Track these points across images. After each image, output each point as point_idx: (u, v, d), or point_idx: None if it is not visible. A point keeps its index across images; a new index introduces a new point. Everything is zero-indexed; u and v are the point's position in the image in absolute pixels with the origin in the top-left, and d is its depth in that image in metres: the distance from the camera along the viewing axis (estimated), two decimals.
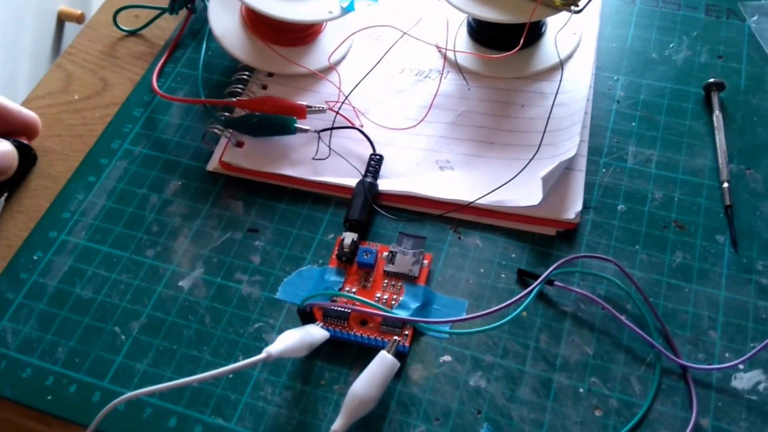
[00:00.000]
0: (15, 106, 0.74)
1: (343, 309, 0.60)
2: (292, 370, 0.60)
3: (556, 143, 0.70)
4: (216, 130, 0.73)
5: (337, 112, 0.73)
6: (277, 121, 0.73)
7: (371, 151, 0.71)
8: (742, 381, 0.58)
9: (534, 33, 0.77)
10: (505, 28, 0.74)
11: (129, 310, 0.64)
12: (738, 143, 0.71)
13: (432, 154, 0.72)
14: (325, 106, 0.73)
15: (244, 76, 0.77)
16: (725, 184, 0.67)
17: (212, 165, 0.73)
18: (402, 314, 0.61)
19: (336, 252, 0.65)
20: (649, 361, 0.59)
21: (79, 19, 1.48)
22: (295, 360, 0.61)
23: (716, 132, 0.71)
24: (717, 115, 0.72)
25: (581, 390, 0.58)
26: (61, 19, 1.49)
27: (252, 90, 0.77)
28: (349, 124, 0.73)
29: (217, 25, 0.78)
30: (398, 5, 0.82)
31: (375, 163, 0.70)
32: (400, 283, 0.63)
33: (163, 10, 0.85)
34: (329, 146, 0.72)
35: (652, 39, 0.80)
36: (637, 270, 0.64)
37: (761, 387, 0.57)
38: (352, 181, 0.69)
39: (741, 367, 0.58)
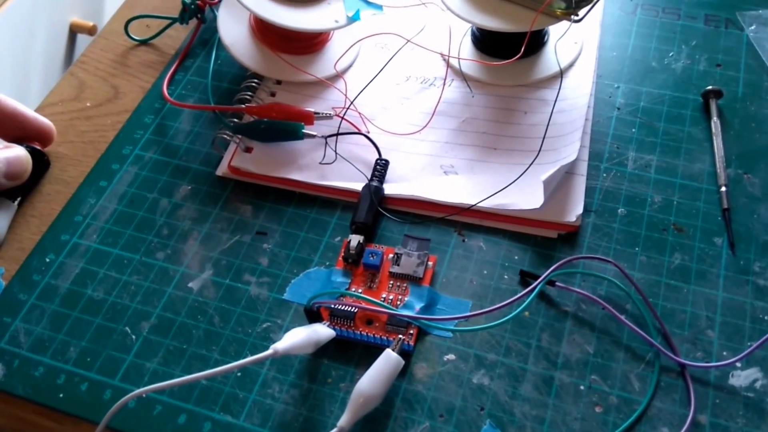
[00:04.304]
0: (31, 112, 0.75)
1: (349, 308, 0.61)
2: (299, 368, 0.61)
3: (557, 148, 0.71)
4: (225, 136, 0.74)
5: (344, 118, 0.74)
6: (285, 127, 0.74)
7: (377, 156, 0.72)
8: (740, 378, 0.59)
9: (536, 42, 0.79)
10: (507, 36, 0.75)
11: (139, 310, 0.65)
12: (736, 149, 0.72)
13: (437, 159, 0.73)
14: (332, 113, 0.75)
15: (253, 84, 0.78)
16: (723, 188, 0.68)
17: (221, 170, 0.74)
18: (407, 314, 0.62)
19: (342, 254, 0.66)
20: (648, 360, 0.60)
21: (91, 30, 1.50)
22: (302, 359, 0.61)
23: (714, 138, 0.72)
24: (715, 121, 0.73)
25: (582, 387, 0.59)
26: (74, 31, 1.51)
27: (261, 97, 0.78)
28: (356, 130, 0.74)
29: (226, 34, 0.79)
30: (403, 15, 0.83)
31: (381, 168, 0.71)
32: (405, 284, 0.64)
33: (174, 20, 0.86)
34: (336, 151, 0.73)
35: (651, 48, 0.82)
36: (637, 271, 0.65)
37: (758, 384, 0.58)
38: (358, 186, 0.70)
39: (738, 365, 0.59)
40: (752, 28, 0.82)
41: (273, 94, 0.79)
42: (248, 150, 0.75)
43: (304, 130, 0.73)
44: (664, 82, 0.78)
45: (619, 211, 0.69)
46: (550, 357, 0.61)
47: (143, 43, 0.87)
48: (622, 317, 0.61)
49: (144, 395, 0.59)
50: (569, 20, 0.72)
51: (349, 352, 0.62)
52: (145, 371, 0.62)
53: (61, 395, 0.61)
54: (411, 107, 0.78)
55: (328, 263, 0.67)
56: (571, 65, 0.79)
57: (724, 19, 0.84)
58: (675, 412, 0.57)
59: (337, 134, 0.74)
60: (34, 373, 0.62)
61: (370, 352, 0.61)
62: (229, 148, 0.75)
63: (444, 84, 0.79)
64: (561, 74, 0.77)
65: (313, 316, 0.62)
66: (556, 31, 0.80)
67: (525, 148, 0.73)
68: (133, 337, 0.64)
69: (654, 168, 0.71)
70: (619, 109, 0.76)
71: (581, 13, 0.72)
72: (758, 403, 0.57)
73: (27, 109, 0.75)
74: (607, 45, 0.82)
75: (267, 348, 0.56)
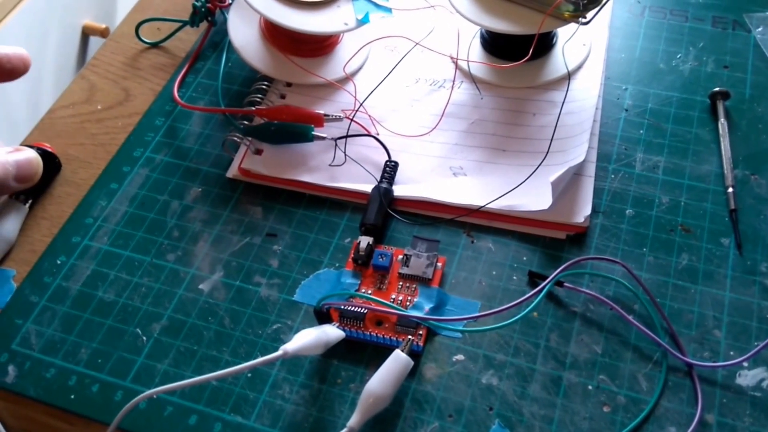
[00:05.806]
0: None
1: (358, 309, 0.61)
2: (309, 369, 0.62)
3: (565, 150, 0.71)
4: (236, 138, 0.75)
5: (353, 120, 0.74)
6: (295, 129, 0.74)
7: (386, 158, 0.73)
8: (746, 378, 0.59)
9: (545, 44, 0.79)
10: (516, 39, 0.76)
11: (150, 312, 0.66)
12: (743, 150, 0.72)
13: (446, 161, 0.73)
14: (341, 115, 0.75)
15: (263, 86, 0.79)
16: (730, 189, 0.69)
17: (232, 172, 0.74)
18: (416, 315, 0.62)
19: (352, 255, 0.67)
20: (656, 359, 0.60)
21: (103, 33, 1.51)
22: (312, 359, 0.62)
23: (721, 139, 0.72)
24: (722, 122, 0.73)
25: (590, 387, 0.59)
26: (86, 33, 1.51)
27: (271, 99, 0.78)
28: (365, 132, 0.74)
29: (236, 37, 0.80)
30: (413, 17, 0.83)
31: (390, 170, 0.72)
32: (414, 285, 0.65)
33: (185, 23, 0.86)
34: (346, 153, 0.74)
35: (659, 50, 0.82)
36: (645, 272, 0.65)
37: (765, 384, 0.58)
38: (367, 187, 0.71)
39: (745, 364, 0.59)
40: (759, 29, 0.82)
41: (283, 97, 0.80)
42: (258, 152, 0.75)
43: (313, 132, 0.74)
44: (672, 84, 0.78)
45: (627, 212, 0.69)
46: (558, 357, 0.61)
47: (154, 45, 0.88)
48: (630, 317, 0.62)
49: (155, 396, 0.60)
50: (577, 23, 0.72)
51: (359, 352, 0.62)
52: (156, 372, 0.62)
53: (72, 396, 0.62)
54: (420, 109, 0.78)
55: (337, 264, 0.68)
56: (579, 67, 0.79)
57: (731, 20, 0.84)
58: (682, 412, 0.57)
59: (347, 136, 0.74)
60: (46, 375, 0.63)
61: (379, 353, 0.61)
62: (240, 150, 0.75)
63: (453, 86, 0.79)
64: (569, 76, 0.77)
65: (322, 317, 0.62)
66: (564, 33, 0.81)
67: (533, 149, 0.73)
68: (144, 338, 0.64)
69: (661, 169, 0.72)
70: (627, 110, 0.76)
71: (589, 15, 0.72)
72: (765, 403, 0.57)
73: None
74: (615, 47, 0.82)
75: (277, 349, 0.56)
